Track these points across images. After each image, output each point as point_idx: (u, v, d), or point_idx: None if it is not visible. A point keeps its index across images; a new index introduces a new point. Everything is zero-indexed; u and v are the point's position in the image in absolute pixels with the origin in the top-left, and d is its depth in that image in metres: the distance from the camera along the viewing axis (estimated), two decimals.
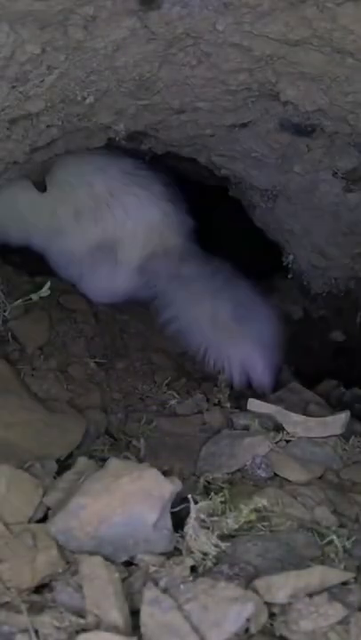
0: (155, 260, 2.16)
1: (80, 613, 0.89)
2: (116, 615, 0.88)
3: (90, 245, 2.13)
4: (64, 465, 1.35)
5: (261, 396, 1.83)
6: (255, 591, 0.93)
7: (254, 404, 1.63)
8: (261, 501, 1.19)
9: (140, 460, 1.44)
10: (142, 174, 2.16)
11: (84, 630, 0.86)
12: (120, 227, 2.11)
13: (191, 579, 0.96)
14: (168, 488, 1.04)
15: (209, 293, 2.04)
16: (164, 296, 2.11)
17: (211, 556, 1.04)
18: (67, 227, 2.14)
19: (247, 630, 0.89)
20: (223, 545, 1.06)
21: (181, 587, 0.93)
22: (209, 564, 1.03)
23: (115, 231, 2.11)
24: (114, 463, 1.10)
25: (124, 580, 0.97)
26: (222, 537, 1.08)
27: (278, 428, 1.55)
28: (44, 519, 1.11)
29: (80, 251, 2.13)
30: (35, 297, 1.72)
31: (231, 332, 1.98)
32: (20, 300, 1.77)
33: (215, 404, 1.74)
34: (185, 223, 2.23)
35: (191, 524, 1.06)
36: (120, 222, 2.11)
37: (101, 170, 2.13)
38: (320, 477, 1.42)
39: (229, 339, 1.98)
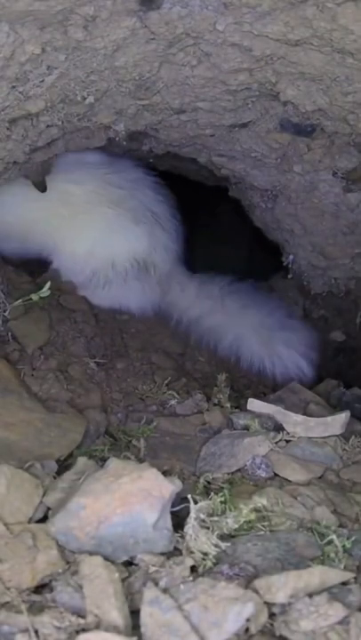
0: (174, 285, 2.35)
1: (80, 613, 0.89)
2: (116, 615, 0.88)
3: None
4: (64, 465, 1.35)
5: (262, 396, 1.84)
6: (255, 591, 0.93)
7: (254, 404, 1.63)
8: (261, 501, 1.20)
9: (140, 460, 1.44)
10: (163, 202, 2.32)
11: (84, 630, 0.86)
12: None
13: (191, 579, 0.96)
14: (168, 488, 1.04)
15: (247, 307, 2.29)
16: (194, 313, 2.30)
17: (211, 556, 1.04)
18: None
19: (247, 630, 0.89)
20: (223, 545, 1.06)
21: (181, 587, 0.93)
22: (209, 563, 1.03)
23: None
24: (114, 463, 1.10)
25: (124, 580, 0.97)
26: (222, 537, 1.08)
27: (278, 428, 1.55)
28: (44, 519, 1.11)
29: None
30: (35, 297, 1.72)
31: (275, 339, 2.24)
32: (20, 300, 1.77)
33: (215, 404, 1.74)
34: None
35: (191, 524, 1.06)
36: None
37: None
38: (320, 477, 1.42)
39: (275, 345, 2.23)
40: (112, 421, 1.65)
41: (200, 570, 1.02)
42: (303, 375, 2.21)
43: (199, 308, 2.29)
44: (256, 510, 1.17)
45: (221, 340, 2.26)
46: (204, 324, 2.28)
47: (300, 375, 2.21)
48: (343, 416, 1.57)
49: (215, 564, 1.03)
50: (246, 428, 1.56)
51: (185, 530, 1.06)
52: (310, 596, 0.93)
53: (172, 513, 1.07)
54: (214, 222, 3.30)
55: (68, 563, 1.01)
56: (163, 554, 1.03)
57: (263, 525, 1.15)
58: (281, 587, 0.93)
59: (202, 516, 1.09)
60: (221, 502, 1.19)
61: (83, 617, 0.89)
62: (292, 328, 2.27)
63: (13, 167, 1.78)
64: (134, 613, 0.91)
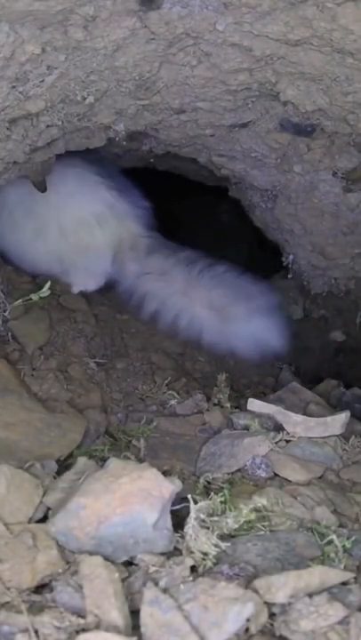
0: (122, 254, 2.19)
1: (80, 613, 0.89)
2: (116, 615, 0.88)
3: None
4: (64, 465, 1.35)
5: (262, 396, 1.84)
6: (255, 591, 0.93)
7: (254, 404, 1.63)
8: (261, 501, 1.19)
9: (140, 460, 1.44)
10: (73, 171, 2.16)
11: (84, 630, 0.86)
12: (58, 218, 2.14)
13: (191, 579, 0.96)
14: (168, 488, 1.04)
15: (193, 281, 2.09)
16: (141, 290, 2.16)
17: (211, 556, 1.04)
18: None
19: (247, 630, 0.89)
20: (223, 545, 1.06)
21: (181, 587, 0.93)
22: (209, 564, 1.03)
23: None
24: (114, 463, 1.10)
25: (124, 580, 0.97)
26: (222, 537, 1.08)
27: (278, 428, 1.55)
28: (44, 519, 1.11)
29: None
30: (35, 297, 1.72)
31: (230, 312, 2.05)
32: (20, 300, 1.77)
33: (215, 404, 1.74)
34: (139, 211, 2.23)
35: (191, 524, 1.06)
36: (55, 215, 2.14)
37: None
38: (320, 477, 1.42)
39: (231, 319, 2.04)
40: (112, 421, 1.65)
41: (200, 570, 1.02)
42: (275, 345, 2.03)
43: (145, 285, 2.12)
44: (256, 510, 1.17)
45: (178, 321, 2.08)
46: (154, 302, 2.11)
47: (271, 347, 2.03)
48: (343, 416, 1.57)
49: (215, 564, 1.03)
50: (246, 428, 1.56)
51: (185, 530, 1.06)
52: (310, 596, 0.93)
53: (172, 513, 1.07)
54: (214, 222, 3.30)
55: (68, 563, 1.01)
56: (163, 554, 1.03)
57: (263, 525, 1.15)
58: (281, 587, 0.93)
59: (202, 516, 1.09)
60: (221, 502, 1.19)
61: (83, 617, 0.88)
62: (248, 297, 2.03)
63: (13, 167, 1.78)
64: (134, 613, 0.91)
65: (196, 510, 1.08)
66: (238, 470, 1.41)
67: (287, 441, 1.51)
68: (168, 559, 1.02)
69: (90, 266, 2.18)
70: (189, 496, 1.10)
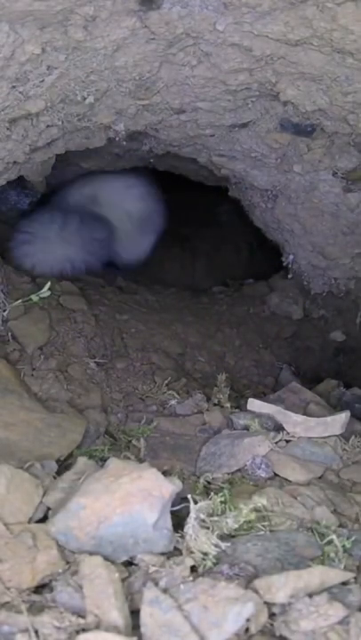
0: None
1: (80, 613, 0.89)
2: (116, 615, 0.88)
3: None
4: (64, 465, 1.35)
5: (262, 396, 1.84)
6: (255, 591, 0.93)
7: (254, 404, 1.63)
8: (261, 501, 1.19)
9: (140, 460, 1.44)
10: None
11: (84, 630, 0.86)
12: None
13: (191, 579, 0.96)
14: (168, 488, 1.04)
15: None
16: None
17: (211, 556, 1.04)
18: None
19: (247, 630, 0.89)
20: (223, 545, 1.06)
21: (181, 587, 0.93)
22: (209, 564, 1.03)
23: None
24: (114, 463, 1.10)
25: (124, 580, 0.97)
26: (222, 537, 1.08)
27: (278, 428, 1.55)
28: (44, 519, 1.11)
29: None
30: (35, 298, 1.72)
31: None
32: (19, 301, 1.77)
33: (215, 404, 1.74)
34: None
35: (191, 524, 1.06)
36: None
37: None
38: (320, 477, 1.42)
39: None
40: (112, 421, 1.64)
41: (200, 570, 1.02)
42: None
43: None
44: (256, 510, 1.17)
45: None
46: None
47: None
48: (343, 416, 1.57)
49: (215, 564, 1.03)
50: (246, 428, 1.56)
51: (185, 530, 1.06)
52: (310, 596, 0.93)
53: (172, 513, 1.07)
54: (214, 222, 3.31)
55: (68, 563, 1.01)
56: (163, 554, 1.03)
57: (263, 525, 1.15)
58: (281, 587, 0.93)
59: (202, 516, 1.09)
60: (221, 502, 1.19)
61: (83, 617, 0.89)
62: None
63: (13, 167, 1.78)
64: (134, 613, 0.91)
65: (196, 510, 1.08)
66: (238, 470, 1.41)
67: (287, 441, 1.51)
68: (168, 559, 1.02)
69: None
70: (189, 496, 1.10)
